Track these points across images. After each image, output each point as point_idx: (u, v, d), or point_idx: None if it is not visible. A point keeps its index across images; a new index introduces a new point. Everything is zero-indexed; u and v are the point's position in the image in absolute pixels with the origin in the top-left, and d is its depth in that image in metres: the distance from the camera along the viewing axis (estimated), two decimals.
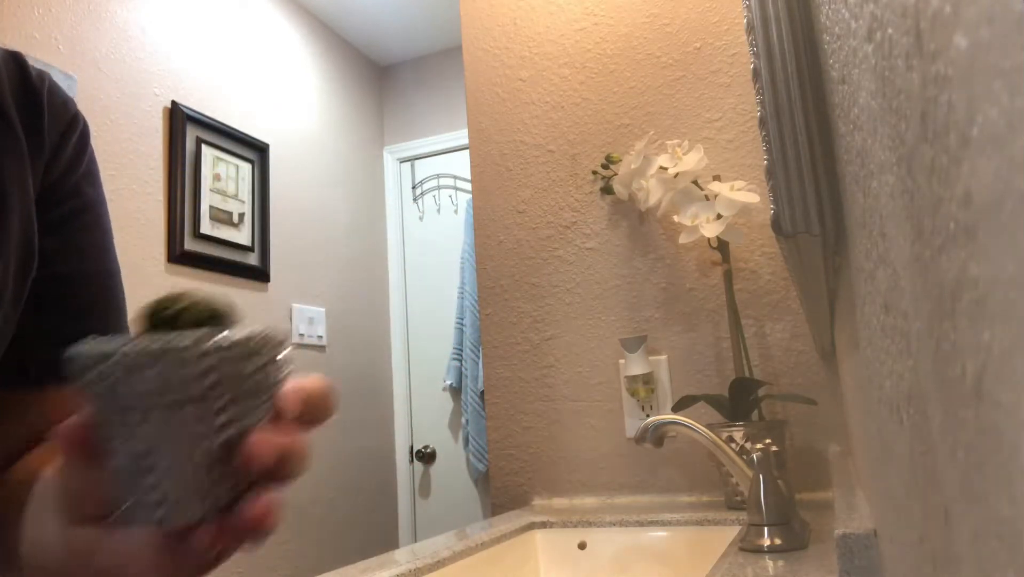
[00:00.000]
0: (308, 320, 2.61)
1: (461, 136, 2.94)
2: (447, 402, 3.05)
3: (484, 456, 2.77)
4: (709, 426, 1.18)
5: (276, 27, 2.69)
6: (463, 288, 2.95)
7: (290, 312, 2.55)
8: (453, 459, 3.00)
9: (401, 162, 3.28)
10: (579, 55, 1.60)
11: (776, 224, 0.54)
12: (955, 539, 0.21)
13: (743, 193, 1.26)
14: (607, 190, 1.51)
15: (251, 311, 2.38)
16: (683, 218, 1.31)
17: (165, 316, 0.28)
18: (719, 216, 1.27)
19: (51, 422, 0.49)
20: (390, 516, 2.98)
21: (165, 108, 2.15)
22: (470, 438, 2.86)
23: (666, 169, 1.34)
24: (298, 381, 0.31)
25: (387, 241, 3.21)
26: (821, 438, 1.30)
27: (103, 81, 1.95)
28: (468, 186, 3.00)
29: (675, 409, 1.34)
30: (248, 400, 0.29)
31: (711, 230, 1.26)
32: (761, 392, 1.27)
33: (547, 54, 1.64)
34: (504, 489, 1.54)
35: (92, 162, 0.57)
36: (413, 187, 3.26)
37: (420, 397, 3.10)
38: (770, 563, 0.85)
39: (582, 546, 1.25)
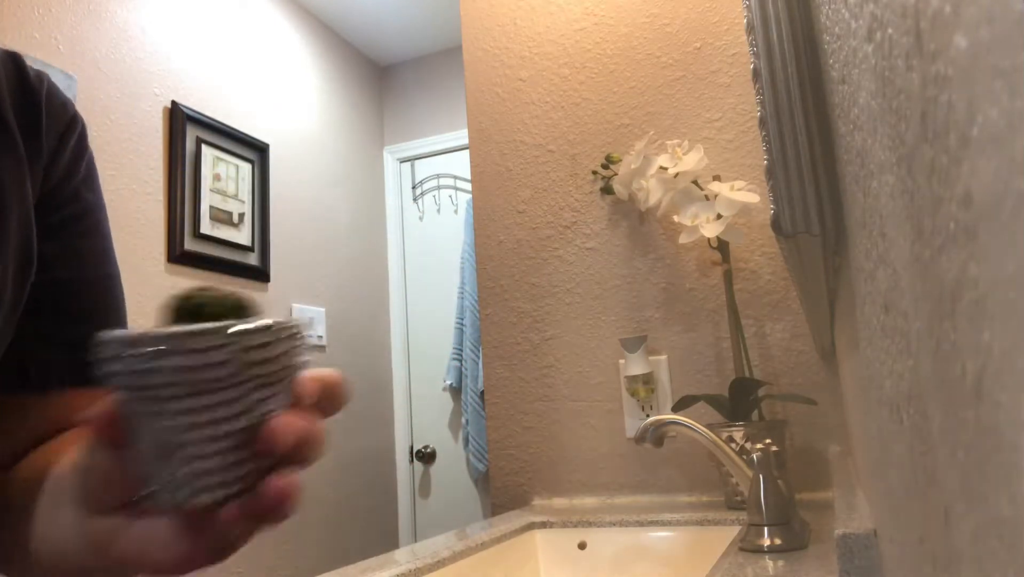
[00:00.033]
0: (308, 320, 2.61)
1: (461, 136, 2.94)
2: (447, 402, 3.05)
3: (484, 456, 2.77)
4: (709, 426, 1.18)
5: (276, 27, 2.69)
6: (463, 288, 2.95)
7: (290, 312, 2.55)
8: (453, 459, 3.00)
9: (401, 162, 3.28)
10: (579, 55, 1.60)
11: (776, 224, 0.54)
12: (955, 539, 0.21)
13: (743, 193, 1.26)
14: (607, 190, 1.51)
15: None
16: (683, 218, 1.31)
17: (189, 308, 0.30)
18: (719, 216, 1.27)
19: (53, 425, 0.50)
20: (390, 516, 2.98)
21: (165, 108, 2.15)
22: (470, 438, 2.86)
23: (666, 169, 1.34)
24: (314, 371, 0.32)
25: (387, 241, 3.21)
26: (821, 438, 1.30)
27: (103, 81, 1.95)
28: (468, 186, 3.00)
29: (675, 409, 1.34)
30: (268, 387, 0.30)
31: (711, 230, 1.26)
32: (761, 392, 1.27)
33: (547, 54, 1.64)
34: (504, 489, 1.54)
35: (91, 165, 0.56)
36: (413, 187, 3.26)
37: (420, 397, 3.10)
38: (770, 563, 0.85)
39: (582, 546, 1.25)
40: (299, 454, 0.31)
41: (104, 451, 0.32)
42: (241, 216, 2.36)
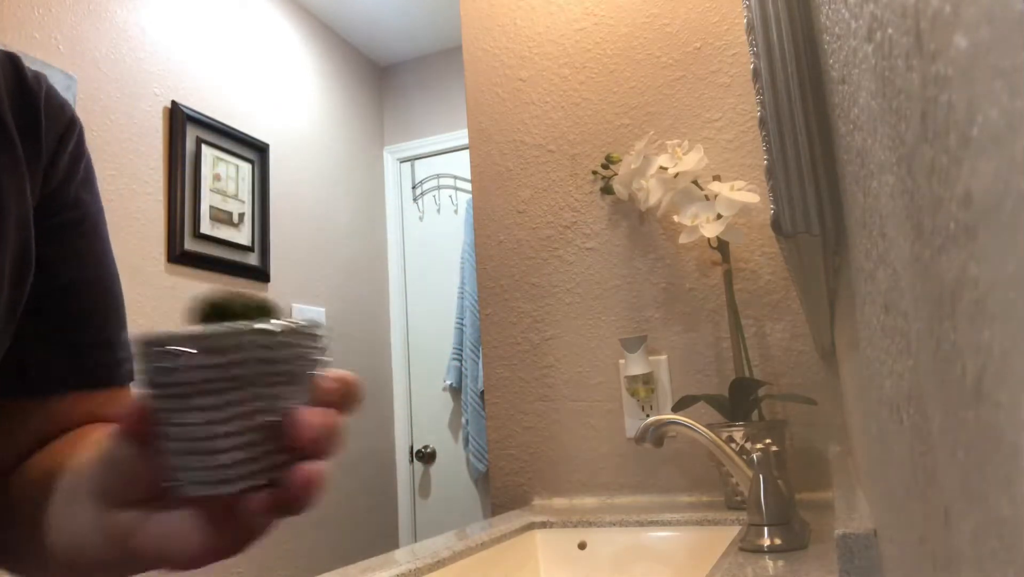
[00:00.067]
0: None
1: (461, 136, 2.94)
2: (447, 402, 3.05)
3: (484, 456, 2.77)
4: (709, 426, 1.18)
5: (276, 27, 2.69)
6: (463, 288, 2.95)
7: (290, 312, 2.55)
8: (453, 459, 3.00)
9: (401, 162, 3.28)
10: (579, 55, 1.60)
11: (776, 224, 0.54)
12: (955, 539, 0.21)
13: (743, 193, 1.26)
14: (607, 190, 1.51)
15: None
16: (683, 218, 1.31)
17: (214, 309, 0.32)
18: (719, 216, 1.27)
19: (56, 426, 0.51)
20: (390, 516, 2.98)
21: (165, 108, 2.15)
22: (470, 438, 2.86)
23: (666, 169, 1.34)
24: (333, 370, 0.34)
25: (387, 241, 3.21)
26: (821, 438, 1.30)
27: (103, 81, 1.95)
28: (468, 186, 3.00)
29: (675, 409, 1.34)
30: (288, 384, 0.32)
31: (711, 230, 1.26)
32: (761, 392, 1.27)
33: (547, 54, 1.64)
34: (504, 489, 1.54)
35: (89, 167, 0.56)
36: (413, 187, 3.26)
37: (420, 397, 3.10)
38: (770, 563, 0.85)
39: (582, 546, 1.25)
40: (319, 448, 0.32)
41: (129, 447, 0.33)
42: (241, 216, 2.36)
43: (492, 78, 1.68)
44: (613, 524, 1.24)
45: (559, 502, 1.48)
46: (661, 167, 1.35)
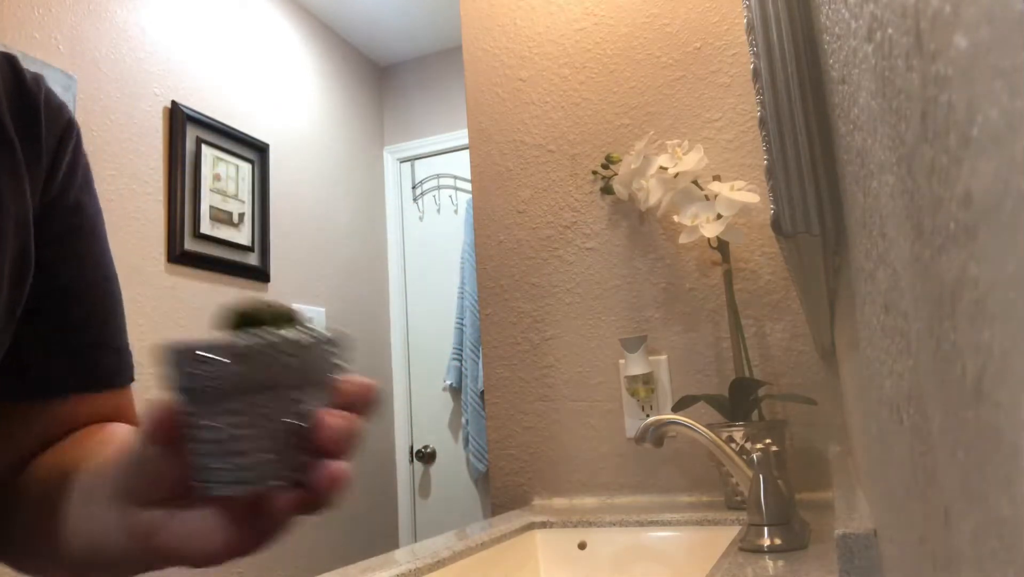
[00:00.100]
0: (308, 320, 2.61)
1: (461, 136, 2.94)
2: (447, 402, 3.05)
3: (484, 456, 2.77)
4: (709, 426, 1.18)
5: (276, 27, 2.69)
6: (463, 288, 2.95)
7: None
8: (453, 459, 3.00)
9: (401, 162, 3.28)
10: (579, 55, 1.60)
11: (776, 224, 0.54)
12: (955, 539, 0.21)
13: (743, 193, 1.26)
14: (607, 190, 1.51)
15: None
16: (683, 218, 1.31)
17: (241, 316, 0.33)
18: (719, 216, 1.27)
19: (59, 429, 0.52)
20: (390, 516, 2.98)
21: (165, 108, 2.15)
22: (470, 438, 2.86)
23: (666, 169, 1.34)
24: (352, 375, 0.36)
25: (387, 241, 3.21)
26: (821, 438, 1.30)
27: (103, 81, 1.95)
28: (468, 186, 3.00)
29: (675, 409, 1.34)
30: (315, 387, 0.34)
31: (711, 230, 1.26)
32: (761, 392, 1.27)
33: (547, 54, 1.64)
34: (504, 489, 1.54)
35: (87, 169, 0.56)
36: (413, 187, 3.26)
37: (420, 397, 3.10)
38: (770, 563, 0.85)
39: (582, 546, 1.25)
40: (339, 448, 0.34)
41: (155, 448, 0.34)
42: (241, 216, 2.36)
43: (492, 78, 1.68)
44: (613, 524, 1.24)
45: (559, 502, 1.48)
46: (661, 167, 1.35)
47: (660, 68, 1.52)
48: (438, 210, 3.19)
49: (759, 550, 0.91)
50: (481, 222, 1.65)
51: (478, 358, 2.81)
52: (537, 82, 1.64)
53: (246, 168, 2.41)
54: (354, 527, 2.71)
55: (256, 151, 2.46)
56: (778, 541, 0.91)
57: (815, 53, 0.55)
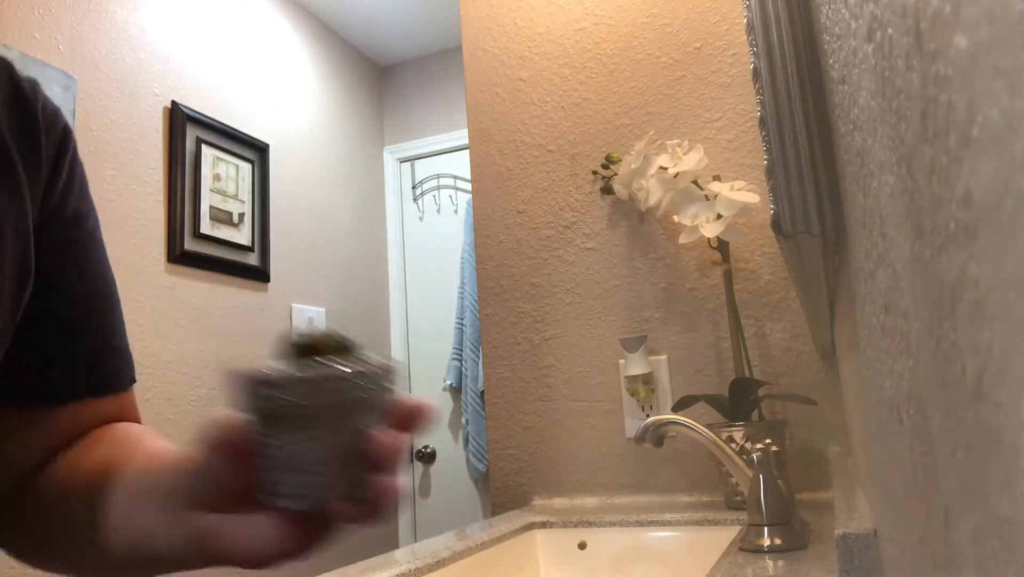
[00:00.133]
0: (308, 320, 2.61)
1: (461, 136, 2.94)
2: (447, 402, 3.05)
3: (484, 456, 2.77)
4: (709, 426, 1.18)
5: (276, 27, 2.69)
6: (463, 288, 2.95)
7: (290, 312, 2.55)
8: (453, 459, 3.00)
9: (401, 162, 3.28)
10: (579, 55, 1.60)
11: (776, 224, 0.54)
12: (955, 539, 0.21)
13: (743, 193, 1.26)
14: (607, 190, 1.51)
15: (251, 311, 2.38)
16: (683, 218, 1.31)
17: (303, 345, 0.37)
18: (719, 216, 1.27)
19: (67, 434, 0.52)
20: (390, 516, 2.98)
21: (165, 108, 2.15)
22: (470, 438, 2.86)
23: (666, 169, 1.34)
24: (404, 396, 0.39)
25: (387, 241, 3.21)
26: (821, 438, 1.30)
27: (103, 81, 1.95)
28: (468, 186, 3.00)
29: (675, 409, 1.34)
30: (370, 409, 0.37)
31: (711, 230, 1.26)
32: (761, 392, 1.27)
33: (547, 54, 1.64)
34: (504, 489, 1.54)
35: (83, 177, 0.57)
36: (413, 187, 3.26)
37: (420, 397, 3.10)
38: (770, 563, 0.85)
39: (582, 546, 1.25)
40: (389, 464, 0.37)
41: (221, 459, 0.37)
42: (241, 216, 2.36)
43: (492, 78, 1.68)
44: (613, 524, 1.24)
45: (559, 502, 1.48)
46: (661, 167, 1.35)
47: (660, 68, 1.52)
48: (438, 210, 3.19)
49: (759, 550, 0.91)
50: (481, 222, 1.65)
51: (478, 358, 2.81)
52: (537, 82, 1.64)
53: (246, 168, 2.41)
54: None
55: (256, 151, 2.46)
56: (778, 541, 0.91)
57: (815, 53, 0.55)
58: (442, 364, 3.02)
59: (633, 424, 1.44)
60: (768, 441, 1.00)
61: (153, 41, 2.13)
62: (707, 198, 1.30)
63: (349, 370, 0.36)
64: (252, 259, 2.39)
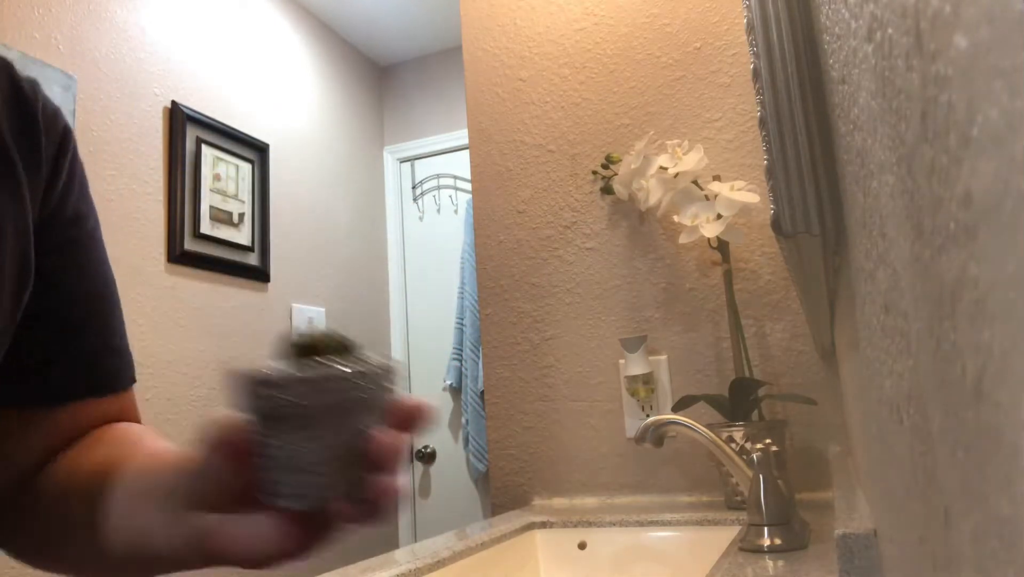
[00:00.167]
0: (308, 320, 2.61)
1: (461, 136, 2.94)
2: (447, 402, 3.05)
3: (484, 456, 2.77)
4: (709, 426, 1.18)
5: (276, 27, 2.69)
6: (463, 288, 2.95)
7: (290, 312, 2.55)
8: (453, 459, 3.00)
9: (401, 162, 3.28)
10: (579, 55, 1.60)
11: (776, 224, 0.54)
12: (955, 539, 0.21)
13: (743, 193, 1.26)
14: (607, 190, 1.51)
15: (251, 311, 2.38)
16: (683, 218, 1.31)
17: (303, 345, 0.37)
18: (719, 216, 1.27)
19: (67, 434, 0.52)
20: (390, 516, 2.98)
21: (165, 108, 2.15)
22: (470, 438, 2.86)
23: (666, 169, 1.34)
24: (403, 397, 0.39)
25: (387, 241, 3.21)
26: (821, 438, 1.30)
27: (103, 81, 1.95)
28: (468, 186, 3.00)
29: (675, 409, 1.34)
30: (370, 409, 0.37)
31: (711, 230, 1.26)
32: (761, 392, 1.27)
33: (547, 54, 1.64)
34: (504, 489, 1.54)
35: (83, 177, 0.57)
36: (413, 187, 3.26)
37: (420, 397, 3.10)
38: (770, 563, 0.85)
39: (582, 546, 1.25)
40: (389, 464, 0.37)
41: (221, 459, 0.37)
42: (241, 216, 2.36)
43: (492, 78, 1.68)
44: (613, 524, 1.24)
45: (559, 502, 1.48)
46: (661, 167, 1.35)
47: (660, 68, 1.52)
48: (438, 210, 3.19)
49: (759, 550, 0.91)
50: (481, 222, 1.65)
51: (478, 358, 2.81)
52: (537, 82, 1.64)
53: (246, 168, 2.41)
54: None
55: (256, 151, 2.46)
56: (778, 541, 0.91)
57: (815, 53, 0.55)
58: (442, 364, 3.02)
59: (633, 424, 1.44)
60: (768, 441, 1.00)
61: (153, 41, 2.13)
62: (707, 198, 1.30)
63: (349, 370, 0.36)
64: (252, 259, 2.39)
